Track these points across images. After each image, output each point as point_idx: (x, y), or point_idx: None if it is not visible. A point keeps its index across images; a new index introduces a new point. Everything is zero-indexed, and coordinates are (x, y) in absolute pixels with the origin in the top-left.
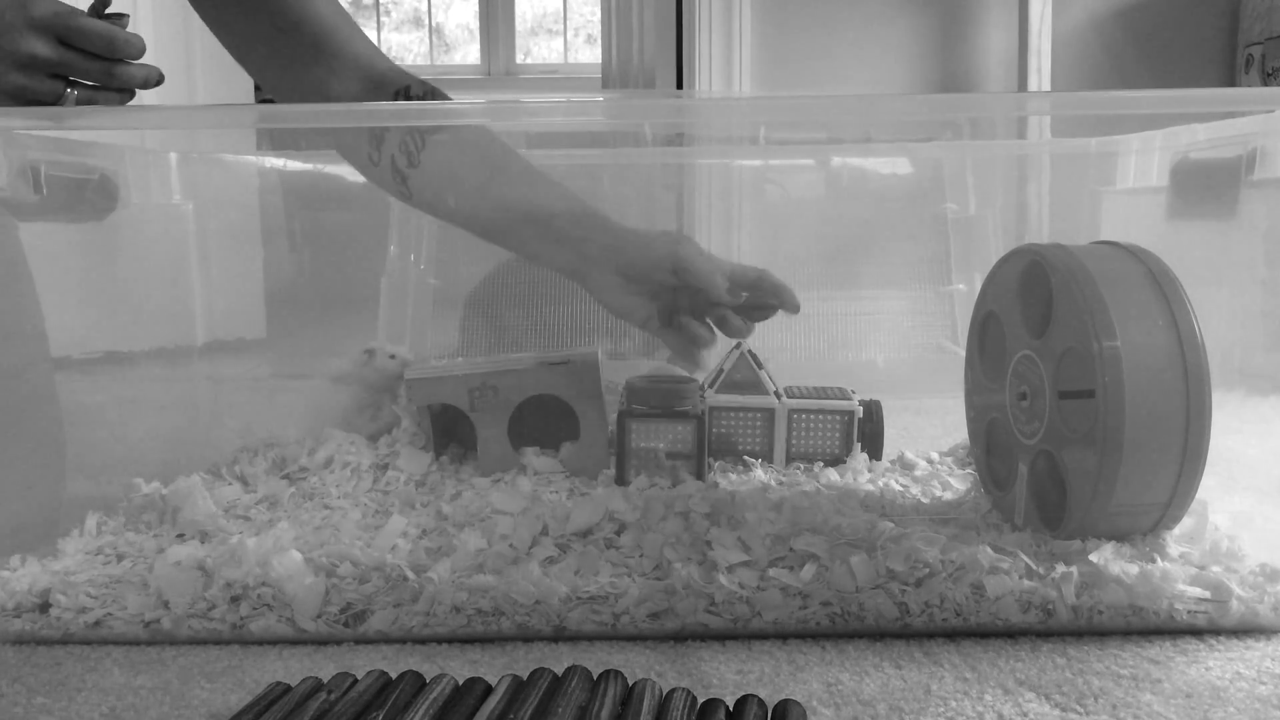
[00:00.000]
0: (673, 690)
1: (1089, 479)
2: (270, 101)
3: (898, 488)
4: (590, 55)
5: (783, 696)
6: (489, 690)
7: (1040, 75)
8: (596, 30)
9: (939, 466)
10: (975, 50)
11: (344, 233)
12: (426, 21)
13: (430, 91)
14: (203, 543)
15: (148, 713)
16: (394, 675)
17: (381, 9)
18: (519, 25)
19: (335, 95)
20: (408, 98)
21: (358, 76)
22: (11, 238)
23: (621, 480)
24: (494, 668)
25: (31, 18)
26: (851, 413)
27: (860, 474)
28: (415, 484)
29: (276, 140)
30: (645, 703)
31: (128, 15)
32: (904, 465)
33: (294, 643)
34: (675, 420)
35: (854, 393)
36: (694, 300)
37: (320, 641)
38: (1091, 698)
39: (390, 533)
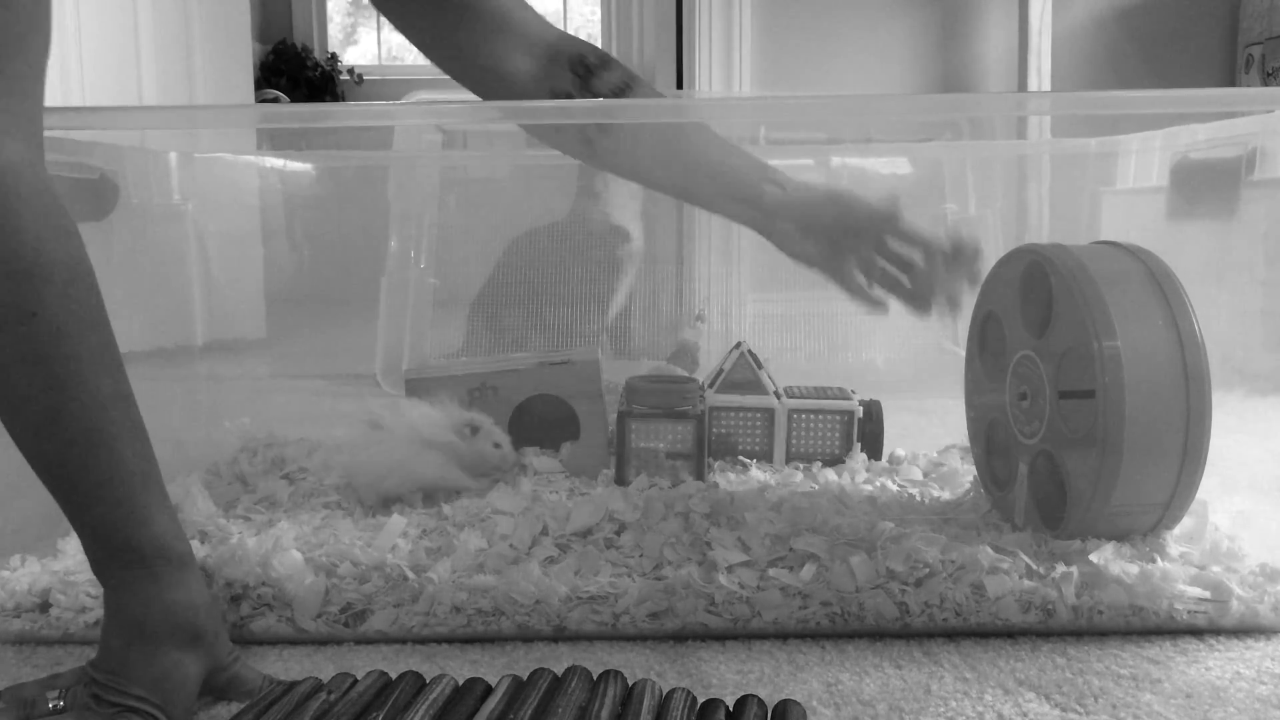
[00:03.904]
0: (673, 690)
1: (1089, 479)
2: (273, 101)
3: (897, 488)
4: None
5: (783, 696)
6: (489, 690)
7: (1040, 75)
8: (596, 30)
9: (938, 466)
10: (975, 50)
11: (344, 233)
12: None
13: (605, 59)
14: (203, 543)
15: None
16: (394, 675)
17: None
18: None
19: (512, 70)
20: (584, 65)
21: (531, 49)
22: None
23: (621, 480)
24: (494, 668)
25: None
26: (851, 413)
27: (860, 474)
28: None
29: (276, 140)
30: (645, 703)
31: None
32: (902, 465)
33: (294, 643)
34: (675, 420)
35: (854, 393)
36: (875, 247)
37: (320, 641)
38: (1091, 698)
39: (390, 533)
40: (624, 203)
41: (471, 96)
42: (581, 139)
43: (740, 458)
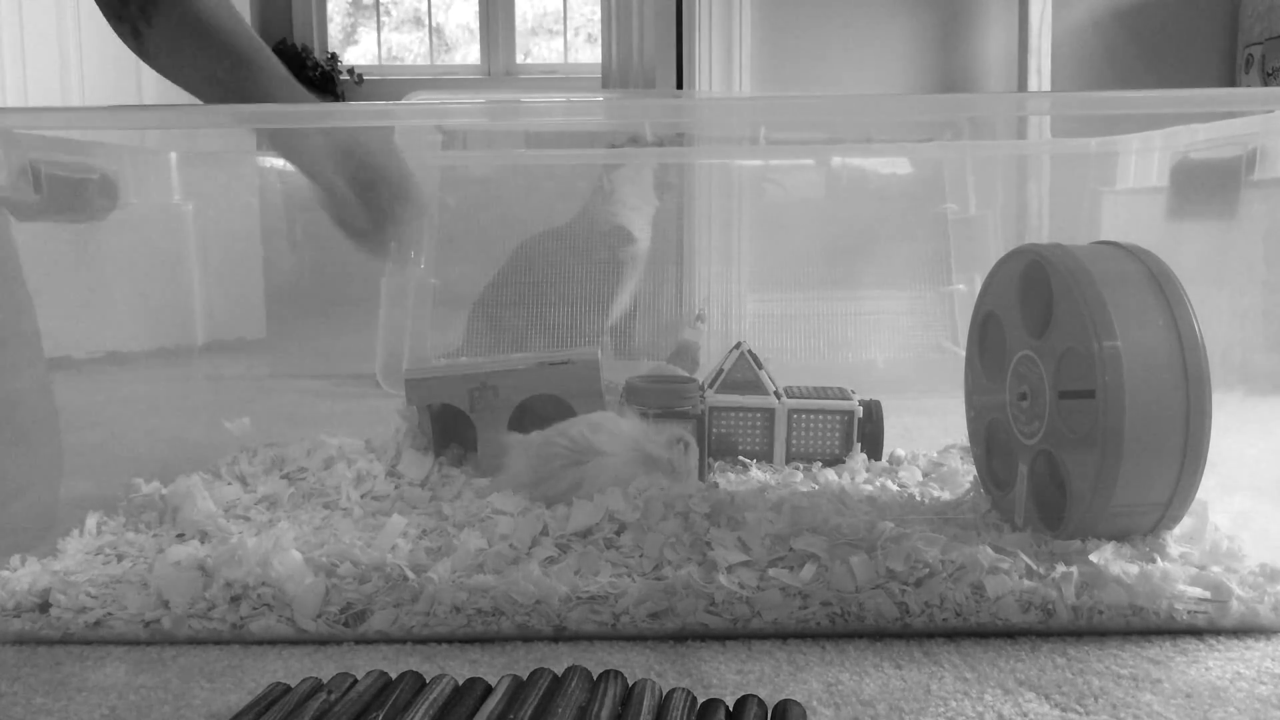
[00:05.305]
0: (673, 690)
1: (1089, 479)
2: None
3: (896, 488)
4: (590, 55)
5: (783, 696)
6: (489, 690)
7: (1040, 75)
8: (596, 30)
9: (938, 466)
10: (975, 50)
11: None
12: (426, 21)
13: None
14: (203, 543)
15: (148, 713)
16: (394, 675)
17: (381, 9)
18: (519, 25)
19: None
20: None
21: None
22: (5, 238)
23: None
24: (494, 668)
25: None
26: (851, 413)
27: (860, 474)
28: (419, 485)
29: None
30: (645, 703)
31: None
32: (902, 465)
33: (294, 643)
34: (675, 420)
35: (854, 393)
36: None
37: (320, 641)
38: (1091, 698)
39: (390, 533)
40: (636, 205)
41: (473, 97)
42: (132, 30)
43: (740, 458)
